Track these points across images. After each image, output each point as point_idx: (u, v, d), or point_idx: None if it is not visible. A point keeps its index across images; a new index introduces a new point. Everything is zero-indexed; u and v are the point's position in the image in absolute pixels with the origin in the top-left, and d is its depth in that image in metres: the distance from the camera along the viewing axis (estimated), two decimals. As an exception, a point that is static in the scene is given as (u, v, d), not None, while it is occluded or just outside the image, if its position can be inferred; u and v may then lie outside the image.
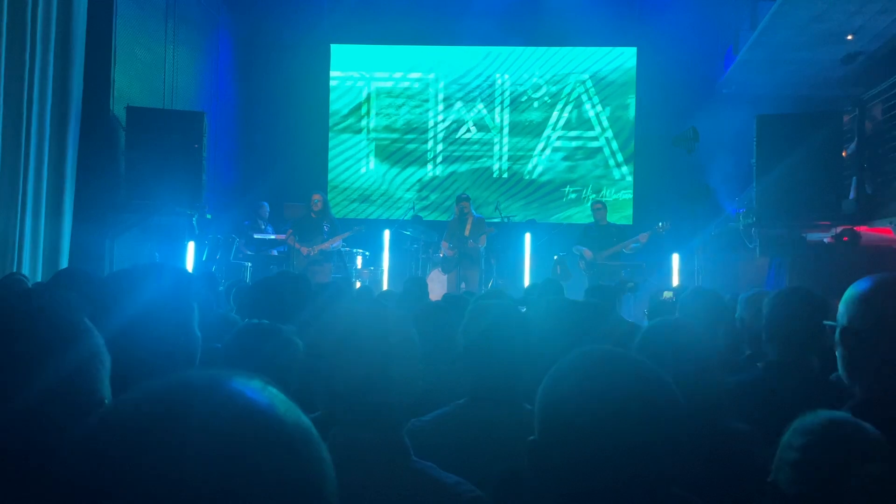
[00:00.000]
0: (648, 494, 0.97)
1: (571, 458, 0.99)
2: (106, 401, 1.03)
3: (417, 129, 11.30)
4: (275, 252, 8.87)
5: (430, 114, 11.30)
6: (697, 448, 1.65)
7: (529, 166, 11.15)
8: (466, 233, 8.35)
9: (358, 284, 8.26)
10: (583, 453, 0.98)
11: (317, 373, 1.40)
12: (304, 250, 8.17)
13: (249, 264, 8.39)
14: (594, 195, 10.88)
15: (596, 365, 1.05)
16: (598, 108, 11.09)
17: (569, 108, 11.13)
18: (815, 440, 1.14)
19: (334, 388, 1.38)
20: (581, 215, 10.83)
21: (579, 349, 1.10)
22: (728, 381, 2.17)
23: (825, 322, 1.64)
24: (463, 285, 8.20)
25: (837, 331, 1.59)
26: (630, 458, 0.96)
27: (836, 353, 1.61)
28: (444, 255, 8.41)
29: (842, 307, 1.60)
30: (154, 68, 7.98)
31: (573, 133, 11.11)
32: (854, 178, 7.63)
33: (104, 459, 0.50)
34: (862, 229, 7.19)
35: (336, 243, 8.32)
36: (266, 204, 9.54)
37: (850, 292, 1.60)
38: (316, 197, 8.40)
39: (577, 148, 11.10)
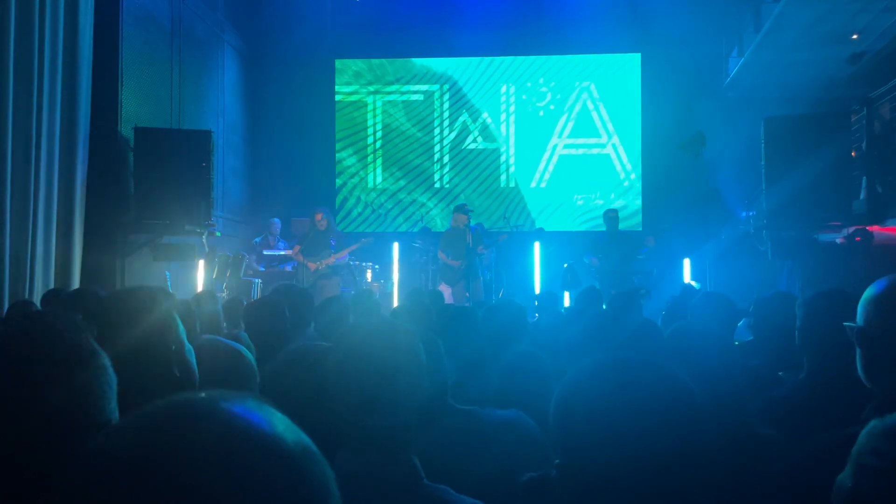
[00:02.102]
0: (661, 497, 0.93)
1: (600, 477, 0.95)
2: (112, 421, 1.03)
3: (424, 141, 11.33)
4: (289, 268, 8.89)
5: (436, 125, 11.33)
6: (727, 453, 1.63)
7: (536, 175, 11.15)
8: (470, 243, 8.32)
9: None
10: (610, 471, 0.94)
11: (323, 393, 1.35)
12: (312, 265, 8.18)
13: (259, 281, 8.40)
14: (602, 202, 10.86)
15: (612, 374, 1.00)
16: (604, 114, 11.08)
17: (574, 115, 11.13)
18: (879, 438, 1.08)
19: (338, 409, 1.32)
20: (590, 223, 10.80)
21: (593, 358, 1.04)
22: (762, 398, 2.10)
23: (845, 324, 1.63)
24: (467, 294, 8.17)
25: (855, 332, 1.59)
26: (658, 470, 0.92)
27: (857, 353, 1.60)
28: (457, 265, 8.33)
29: (860, 309, 1.60)
30: (161, 89, 8.05)
31: (580, 140, 11.10)
32: (864, 177, 7.58)
33: (104, 484, 0.49)
34: (874, 229, 7.13)
35: (343, 257, 8.33)
36: (277, 220, 9.57)
37: (867, 294, 1.59)
38: (318, 216, 8.35)
39: (584, 155, 11.09)
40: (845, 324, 1.62)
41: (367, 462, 1.27)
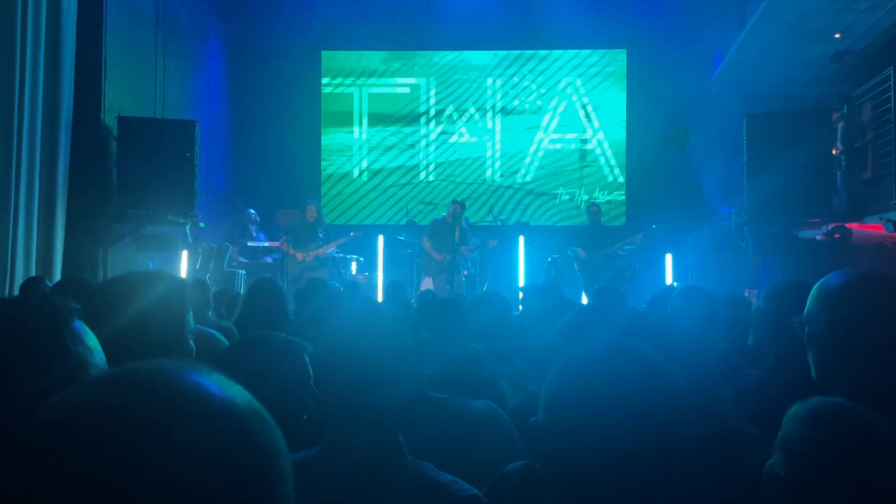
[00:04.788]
0: (648, 483, 0.95)
1: (570, 442, 0.96)
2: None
3: (409, 134, 11.31)
4: (269, 259, 8.87)
5: (422, 119, 11.32)
6: (705, 450, 1.63)
7: (522, 169, 11.17)
8: (457, 239, 8.37)
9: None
10: (582, 437, 0.95)
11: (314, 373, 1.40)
12: (300, 256, 8.18)
13: (243, 272, 8.37)
14: (587, 197, 10.91)
15: (606, 353, 1.03)
16: (589, 110, 11.12)
17: (560, 110, 11.15)
18: (805, 424, 1.14)
19: (327, 388, 1.38)
20: (574, 217, 10.85)
21: (594, 339, 1.07)
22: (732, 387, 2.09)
23: (793, 319, 1.59)
24: (448, 287, 8.21)
25: (806, 330, 1.52)
26: (630, 444, 0.94)
27: (808, 354, 1.55)
28: (439, 259, 8.38)
29: (813, 305, 1.51)
30: (145, 78, 7.97)
31: (565, 135, 11.13)
32: (843, 174, 7.67)
33: (51, 445, 0.50)
34: (853, 226, 7.22)
35: (331, 249, 8.35)
36: (252, 211, 9.43)
37: (822, 290, 1.50)
38: (311, 209, 8.45)
39: (569, 150, 11.12)
40: (793, 319, 1.57)
41: (354, 439, 1.33)
